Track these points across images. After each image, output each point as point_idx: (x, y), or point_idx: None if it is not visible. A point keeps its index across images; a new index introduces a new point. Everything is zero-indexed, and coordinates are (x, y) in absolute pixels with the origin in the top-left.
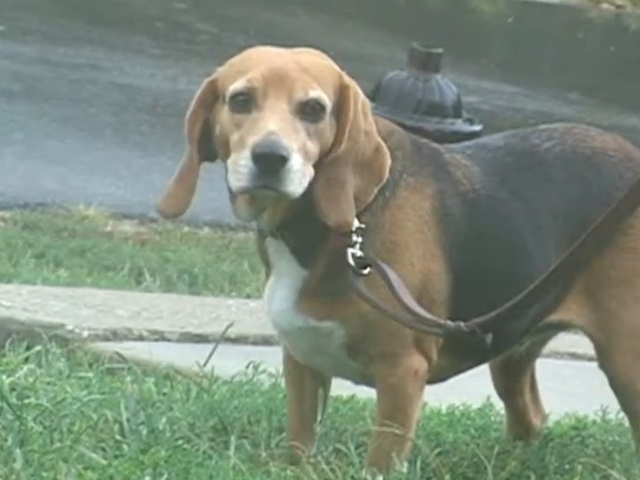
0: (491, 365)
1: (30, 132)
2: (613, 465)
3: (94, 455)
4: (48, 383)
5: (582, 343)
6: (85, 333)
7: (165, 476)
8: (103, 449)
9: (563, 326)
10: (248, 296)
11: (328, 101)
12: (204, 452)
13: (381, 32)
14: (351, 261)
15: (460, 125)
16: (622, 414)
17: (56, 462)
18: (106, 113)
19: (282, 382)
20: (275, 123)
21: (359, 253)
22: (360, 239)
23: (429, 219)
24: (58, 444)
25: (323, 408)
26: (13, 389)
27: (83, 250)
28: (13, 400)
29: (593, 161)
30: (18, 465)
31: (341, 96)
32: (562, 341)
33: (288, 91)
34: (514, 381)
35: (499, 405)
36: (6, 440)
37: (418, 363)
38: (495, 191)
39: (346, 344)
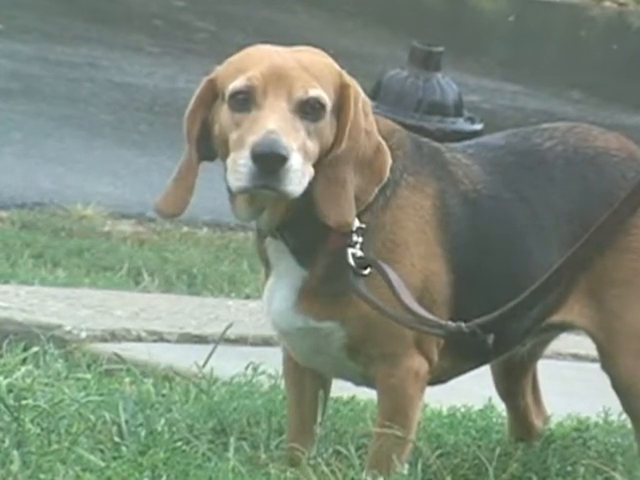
0: (492, 366)
1: (28, 131)
2: (615, 467)
3: (92, 457)
4: (46, 384)
5: (584, 344)
6: (83, 334)
7: (164, 478)
8: (101, 451)
9: (565, 327)
10: (247, 296)
11: (328, 100)
12: (203, 454)
13: (381, 30)
14: (351, 261)
15: (461, 124)
16: (625, 416)
17: (54, 464)
18: (104, 112)
19: (282, 383)
20: (275, 122)
21: (359, 253)
22: (360, 239)
23: (430, 219)
24: (56, 446)
25: (323, 409)
26: (10, 390)
27: (81, 250)
28: (10, 401)
29: (595, 161)
30: (15, 467)
31: (341, 95)
32: (564, 342)
33: (288, 90)
34: (516, 382)
35: (500, 407)
36: (3, 442)
37: (419, 364)
38: (496, 191)
39: (346, 345)
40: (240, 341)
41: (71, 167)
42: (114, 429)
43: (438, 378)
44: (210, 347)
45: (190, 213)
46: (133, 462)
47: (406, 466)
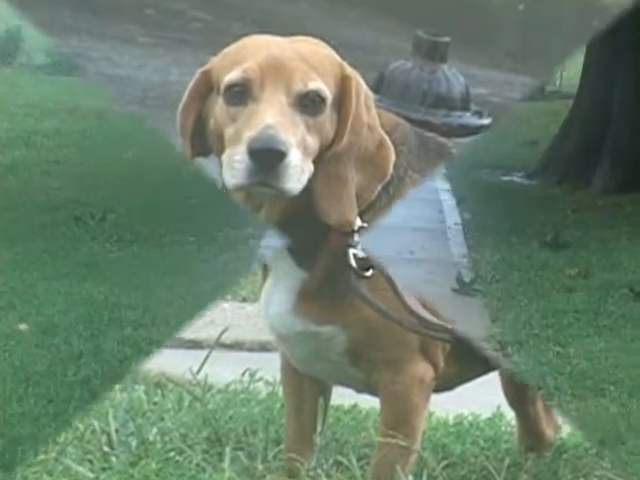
0: (501, 373)
1: None
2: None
3: (80, 468)
4: None
5: None
6: None
7: None
8: (90, 461)
9: None
10: (244, 300)
11: (328, 93)
12: (197, 465)
13: (385, 20)
14: (353, 262)
15: (468, 118)
16: None
17: (40, 475)
18: None
19: (280, 391)
20: (272, 116)
21: (361, 254)
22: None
23: None
24: (42, 456)
25: (323, 418)
26: None
27: None
28: None
29: None
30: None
31: (342, 87)
32: None
33: (286, 82)
34: (525, 389)
35: (510, 415)
36: None
37: (424, 370)
38: None
39: (348, 350)
40: (236, 346)
41: None
42: (103, 438)
43: (444, 385)
44: (205, 352)
45: None
46: (124, 473)
47: (410, 477)
